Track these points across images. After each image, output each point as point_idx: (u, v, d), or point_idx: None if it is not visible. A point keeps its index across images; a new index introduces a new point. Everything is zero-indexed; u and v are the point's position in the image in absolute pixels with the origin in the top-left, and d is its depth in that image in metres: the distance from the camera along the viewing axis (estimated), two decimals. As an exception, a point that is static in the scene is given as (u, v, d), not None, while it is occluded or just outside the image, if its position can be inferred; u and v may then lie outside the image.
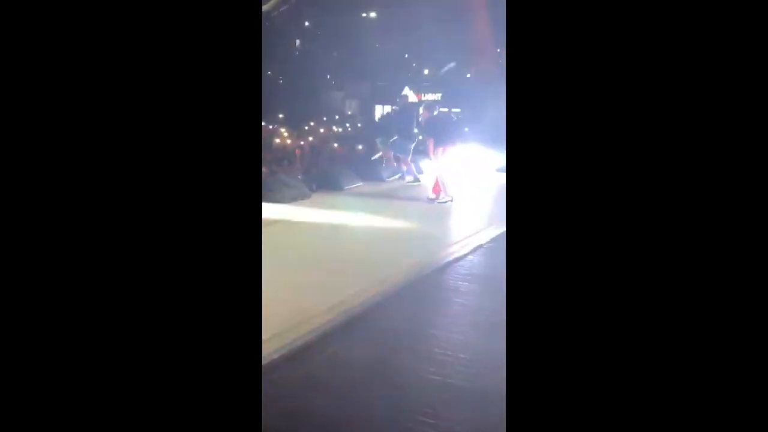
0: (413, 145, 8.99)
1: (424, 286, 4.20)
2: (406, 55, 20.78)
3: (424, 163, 9.06)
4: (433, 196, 7.64)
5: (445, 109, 19.88)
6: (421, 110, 9.01)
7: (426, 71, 21.04)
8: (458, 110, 16.87)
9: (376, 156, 9.57)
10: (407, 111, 9.34)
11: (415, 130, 8.96)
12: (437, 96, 20.50)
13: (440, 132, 7.86)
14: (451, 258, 4.86)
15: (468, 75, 15.64)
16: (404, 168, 9.25)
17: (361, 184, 8.61)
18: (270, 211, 6.29)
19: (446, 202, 7.50)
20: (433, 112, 8.49)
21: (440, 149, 7.63)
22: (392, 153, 9.34)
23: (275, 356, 2.86)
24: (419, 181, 8.94)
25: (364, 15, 20.20)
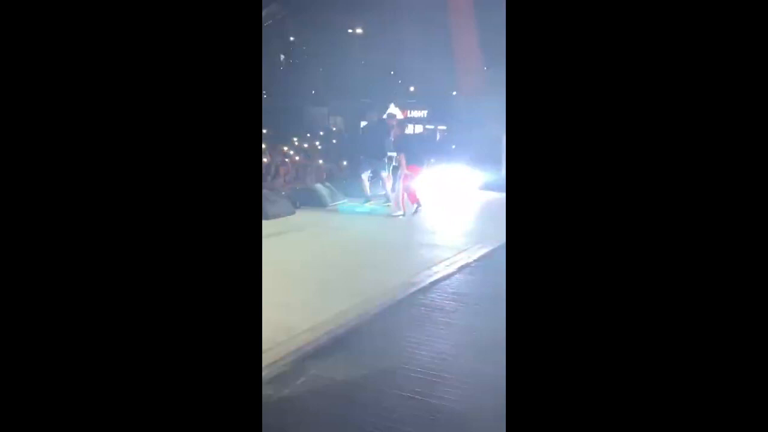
0: (385, 161, 8.46)
1: (410, 306, 4.16)
2: (392, 72, 20.96)
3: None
4: (413, 208, 7.70)
5: (431, 127, 19.99)
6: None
7: (412, 88, 21.23)
8: (444, 127, 17.00)
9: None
10: (376, 129, 8.59)
11: (393, 152, 8.72)
12: (423, 113, 20.70)
13: (411, 150, 7.96)
14: (437, 277, 4.84)
15: (454, 93, 15.78)
16: (388, 188, 8.58)
17: (345, 200, 8.58)
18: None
19: (399, 216, 7.65)
20: (404, 129, 8.43)
21: (408, 168, 7.75)
22: (367, 173, 8.54)
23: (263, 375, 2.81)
24: (390, 202, 8.28)
25: (350, 31, 20.38)
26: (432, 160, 8.33)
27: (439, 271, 5.03)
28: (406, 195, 7.77)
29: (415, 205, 7.75)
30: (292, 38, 20.98)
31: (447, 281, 4.75)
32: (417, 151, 8.09)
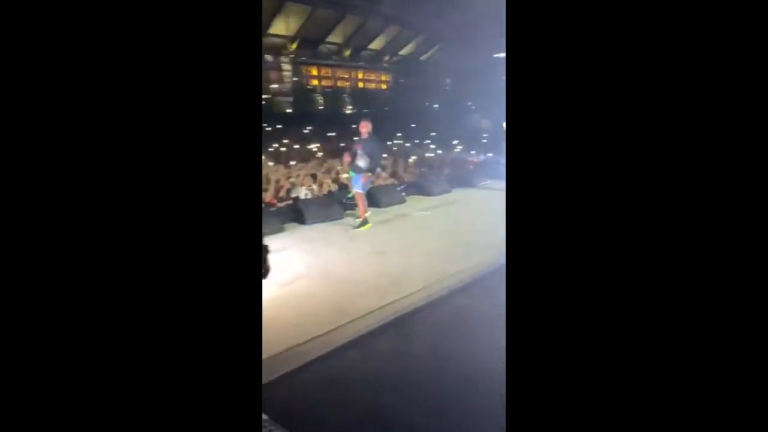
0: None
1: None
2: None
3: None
4: None
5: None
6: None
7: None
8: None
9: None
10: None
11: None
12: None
13: None
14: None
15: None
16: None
17: (489, 181, 8.38)
18: (422, 202, 6.45)
19: None
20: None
21: None
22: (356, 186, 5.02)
23: (420, 304, 2.99)
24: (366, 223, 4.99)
25: (495, 56, 19.56)
26: None
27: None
28: None
29: None
30: (453, 65, 20.75)
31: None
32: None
